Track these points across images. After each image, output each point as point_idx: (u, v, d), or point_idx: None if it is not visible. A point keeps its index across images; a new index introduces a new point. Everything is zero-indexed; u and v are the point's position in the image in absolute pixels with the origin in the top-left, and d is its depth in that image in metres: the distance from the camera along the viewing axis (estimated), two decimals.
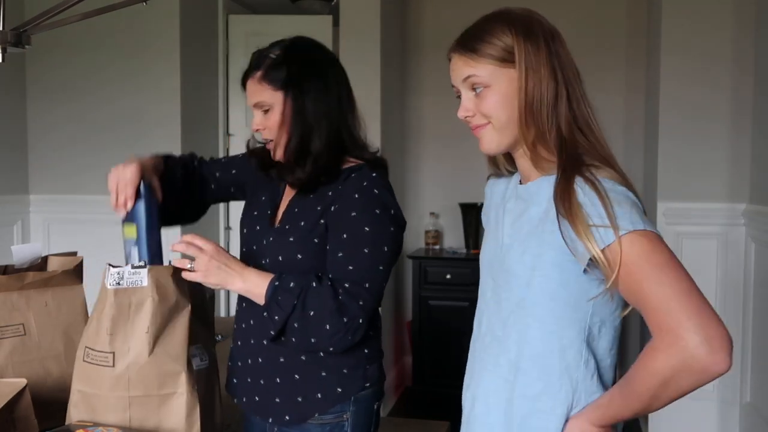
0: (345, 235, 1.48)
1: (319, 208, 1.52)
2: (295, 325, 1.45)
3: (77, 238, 3.71)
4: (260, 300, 1.48)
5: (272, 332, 1.47)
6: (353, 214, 1.48)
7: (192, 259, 1.46)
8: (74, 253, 1.71)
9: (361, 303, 1.45)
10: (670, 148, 3.52)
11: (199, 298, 1.54)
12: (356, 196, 1.49)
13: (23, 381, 1.32)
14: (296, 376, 1.53)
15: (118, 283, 1.40)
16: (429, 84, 4.65)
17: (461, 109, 1.23)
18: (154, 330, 1.40)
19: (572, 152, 1.17)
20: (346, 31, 3.93)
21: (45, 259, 1.68)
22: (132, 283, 1.41)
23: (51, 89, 3.84)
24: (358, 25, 3.91)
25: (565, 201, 1.13)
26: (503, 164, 1.35)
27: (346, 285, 1.45)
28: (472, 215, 4.55)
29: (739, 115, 3.44)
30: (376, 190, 1.50)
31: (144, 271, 1.41)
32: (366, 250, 1.47)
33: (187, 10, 3.80)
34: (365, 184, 1.51)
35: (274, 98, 1.52)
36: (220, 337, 2.37)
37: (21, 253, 1.62)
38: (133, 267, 1.41)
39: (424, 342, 4.31)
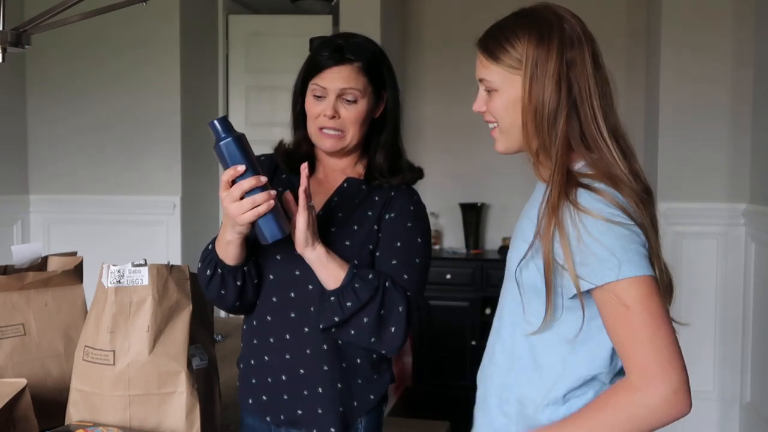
0: (399, 244, 1.50)
1: (370, 214, 1.52)
2: (365, 319, 1.41)
3: (77, 238, 3.71)
4: (333, 281, 1.41)
5: (336, 319, 1.40)
6: (408, 224, 1.52)
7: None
8: (74, 253, 1.71)
9: (414, 312, 1.48)
10: (670, 148, 3.52)
11: (199, 298, 1.54)
12: (411, 208, 1.54)
13: (23, 381, 1.32)
14: (339, 385, 1.50)
15: (119, 282, 1.40)
16: (429, 84, 4.65)
17: (475, 104, 1.28)
18: (154, 329, 1.40)
19: (563, 171, 1.16)
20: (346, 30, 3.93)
21: (45, 259, 1.68)
22: (132, 282, 1.41)
23: (51, 90, 3.83)
24: (358, 25, 3.91)
25: (552, 225, 1.13)
26: None
27: (408, 294, 1.47)
28: (472, 215, 4.55)
29: (739, 116, 3.45)
30: (422, 204, 1.58)
31: (144, 270, 1.41)
32: (417, 260, 1.51)
33: (187, 10, 3.80)
34: (416, 197, 1.57)
35: None
36: (219, 337, 2.37)
37: (21, 253, 1.62)
38: (134, 265, 1.41)
39: (424, 342, 4.31)
